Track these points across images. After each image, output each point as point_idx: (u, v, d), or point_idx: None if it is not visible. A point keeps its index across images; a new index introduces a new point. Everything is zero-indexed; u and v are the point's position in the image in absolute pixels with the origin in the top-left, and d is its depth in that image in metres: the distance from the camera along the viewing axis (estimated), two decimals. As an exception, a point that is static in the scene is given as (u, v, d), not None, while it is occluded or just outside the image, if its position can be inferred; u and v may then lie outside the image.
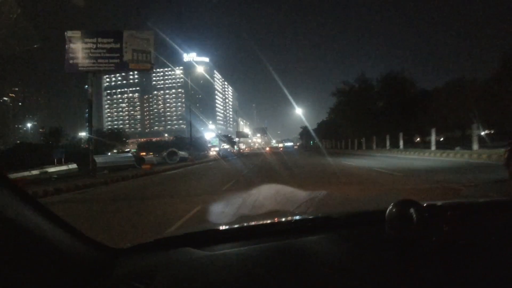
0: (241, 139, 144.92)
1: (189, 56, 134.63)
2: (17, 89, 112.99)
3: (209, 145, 51.29)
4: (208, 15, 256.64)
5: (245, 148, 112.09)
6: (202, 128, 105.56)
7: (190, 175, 14.59)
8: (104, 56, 16.20)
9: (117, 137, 42.83)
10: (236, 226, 1.38)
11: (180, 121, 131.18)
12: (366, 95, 36.62)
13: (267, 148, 76.73)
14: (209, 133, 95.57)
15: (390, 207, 0.99)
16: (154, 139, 77.97)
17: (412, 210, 0.95)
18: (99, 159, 17.28)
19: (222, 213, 3.70)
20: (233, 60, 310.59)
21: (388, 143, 28.82)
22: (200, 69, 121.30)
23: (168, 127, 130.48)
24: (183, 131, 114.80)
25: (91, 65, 16.08)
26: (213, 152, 40.31)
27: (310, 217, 1.47)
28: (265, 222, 1.39)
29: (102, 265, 0.98)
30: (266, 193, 2.55)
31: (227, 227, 1.36)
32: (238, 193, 6.15)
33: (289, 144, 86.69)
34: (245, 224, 1.43)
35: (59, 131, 36.49)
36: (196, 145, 45.03)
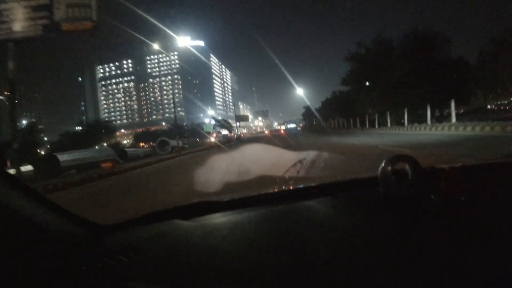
0: (242, 124, 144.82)
1: (184, 40, 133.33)
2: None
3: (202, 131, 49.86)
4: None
5: (246, 132, 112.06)
6: (201, 115, 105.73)
7: (158, 175, 11.12)
8: (29, 17, 12.91)
9: (105, 129, 39.28)
10: (225, 199, 1.31)
11: (179, 109, 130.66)
12: (385, 60, 30.27)
13: (266, 131, 75.70)
14: (209, 119, 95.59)
15: (383, 164, 0.95)
16: (152, 129, 77.78)
17: (406, 166, 0.92)
18: (63, 156, 15.01)
19: (206, 181, 3.50)
20: (230, 43, 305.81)
21: (406, 119, 25.52)
22: (195, 54, 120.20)
23: (167, 115, 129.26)
24: (182, 118, 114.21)
25: (10, 31, 12.77)
26: (212, 139, 38.72)
27: (301, 186, 1.43)
28: (255, 193, 1.36)
29: (87, 241, 0.98)
30: (252, 155, 2.39)
31: (216, 199, 1.32)
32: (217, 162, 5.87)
33: (292, 125, 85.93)
34: (234, 197, 1.35)
35: (34, 126, 34.74)
36: (195, 132, 44.39)
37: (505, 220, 0.82)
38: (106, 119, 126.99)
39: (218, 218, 1.08)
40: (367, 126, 33.97)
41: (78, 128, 42.81)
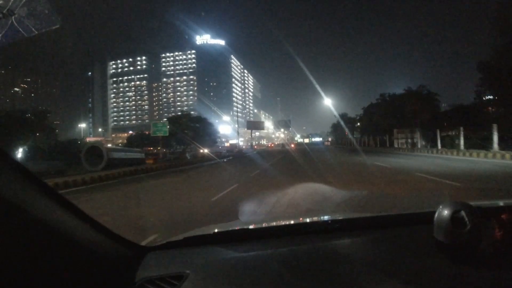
0: (261, 134, 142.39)
1: (203, 38, 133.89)
2: (29, 79, 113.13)
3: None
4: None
5: (269, 144, 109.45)
6: (216, 121, 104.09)
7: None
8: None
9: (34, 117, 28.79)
10: (265, 225, 1.44)
11: (192, 112, 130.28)
12: None
13: (270, 144, 71.27)
14: (224, 125, 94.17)
15: (440, 209, 1.00)
16: (147, 132, 75.99)
17: (463, 213, 0.96)
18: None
19: (255, 213, 3.43)
20: (255, 46, 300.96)
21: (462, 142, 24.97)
22: (214, 53, 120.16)
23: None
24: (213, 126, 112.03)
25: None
26: (206, 150, 35.31)
27: (347, 217, 1.50)
28: (296, 221, 1.48)
29: (130, 263, 1.07)
30: (303, 192, 2.40)
31: (257, 225, 1.44)
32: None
33: (318, 139, 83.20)
34: (274, 223, 1.48)
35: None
36: (201, 139, 40.72)
37: None
38: (115, 118, 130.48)
39: (262, 250, 1.13)
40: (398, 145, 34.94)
41: None
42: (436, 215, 0.98)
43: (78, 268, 0.85)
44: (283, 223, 1.45)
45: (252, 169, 15.84)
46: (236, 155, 37.99)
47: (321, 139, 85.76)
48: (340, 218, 1.48)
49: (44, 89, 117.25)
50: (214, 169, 18.67)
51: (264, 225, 1.42)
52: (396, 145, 37.22)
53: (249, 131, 78.56)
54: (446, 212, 0.96)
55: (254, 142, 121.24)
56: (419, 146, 32.52)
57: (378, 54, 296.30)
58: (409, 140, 35.47)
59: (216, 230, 1.38)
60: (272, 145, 72.20)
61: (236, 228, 1.39)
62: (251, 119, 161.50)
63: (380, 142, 43.37)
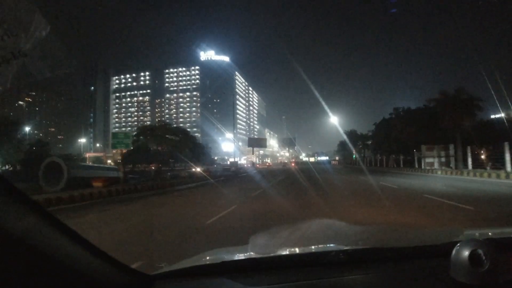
0: (265, 152, 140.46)
1: (207, 55, 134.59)
2: (34, 93, 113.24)
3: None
4: (231, 8, 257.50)
5: (270, 162, 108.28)
6: (220, 138, 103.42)
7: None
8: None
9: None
10: (273, 255, 1.42)
11: (194, 129, 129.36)
12: None
13: (268, 163, 68.17)
14: (227, 143, 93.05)
15: (457, 247, 1.00)
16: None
17: (480, 252, 0.95)
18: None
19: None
20: (260, 64, 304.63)
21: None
22: (218, 70, 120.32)
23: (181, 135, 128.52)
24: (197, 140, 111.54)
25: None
26: (198, 169, 32.19)
27: (361, 247, 1.49)
28: (305, 251, 1.50)
29: None
30: (315, 228, 2.34)
31: (265, 255, 1.40)
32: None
33: (324, 158, 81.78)
34: (284, 254, 1.46)
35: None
36: (200, 156, 38.63)
37: None
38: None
39: (271, 284, 1.13)
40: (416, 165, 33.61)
41: None
42: (453, 253, 0.98)
43: None
44: (292, 253, 1.48)
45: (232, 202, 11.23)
46: (230, 175, 34.62)
47: (327, 158, 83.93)
48: (351, 249, 1.45)
49: (50, 103, 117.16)
50: (184, 197, 15.01)
51: (272, 254, 1.39)
52: (423, 166, 33.16)
53: (254, 149, 76.58)
54: (464, 251, 0.95)
55: (257, 160, 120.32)
56: (452, 165, 29.67)
57: (386, 69, 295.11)
58: (442, 159, 32.04)
59: (224, 259, 1.42)
60: (270, 164, 70.38)
61: (244, 259, 1.44)
62: (255, 136, 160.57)
63: (404, 161, 40.16)
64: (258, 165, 69.54)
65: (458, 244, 0.98)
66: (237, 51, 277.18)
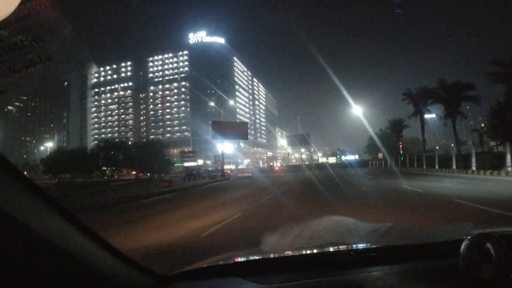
0: (269, 153, 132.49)
1: (197, 36, 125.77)
2: (25, 97, 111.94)
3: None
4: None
5: (279, 164, 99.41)
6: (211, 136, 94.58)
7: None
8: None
9: None
10: (286, 254, 1.60)
11: (184, 127, 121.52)
12: None
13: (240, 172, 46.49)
14: (222, 144, 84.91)
15: (466, 242, 1.10)
16: None
17: (489, 246, 1.04)
18: None
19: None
20: (267, 53, 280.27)
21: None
22: (211, 55, 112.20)
23: (168, 134, 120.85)
24: (187, 140, 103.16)
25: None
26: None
27: (372, 246, 1.68)
28: (318, 251, 1.62)
29: None
30: (325, 224, 2.63)
31: (277, 255, 1.60)
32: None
33: (351, 157, 65.40)
34: (296, 253, 1.63)
35: None
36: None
37: None
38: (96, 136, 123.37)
39: (283, 283, 1.24)
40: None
41: None
42: (462, 247, 1.07)
43: None
44: (305, 253, 1.62)
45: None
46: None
47: (356, 157, 69.29)
48: (362, 248, 1.63)
49: (41, 107, 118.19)
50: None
51: (285, 254, 1.58)
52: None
53: (258, 150, 69.56)
54: (470, 245, 1.05)
55: (260, 164, 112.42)
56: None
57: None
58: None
59: (237, 260, 1.57)
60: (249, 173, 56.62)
61: (257, 258, 1.64)
62: (263, 136, 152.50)
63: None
64: (239, 173, 46.45)
65: (468, 239, 1.07)
66: (235, 33, 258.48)
